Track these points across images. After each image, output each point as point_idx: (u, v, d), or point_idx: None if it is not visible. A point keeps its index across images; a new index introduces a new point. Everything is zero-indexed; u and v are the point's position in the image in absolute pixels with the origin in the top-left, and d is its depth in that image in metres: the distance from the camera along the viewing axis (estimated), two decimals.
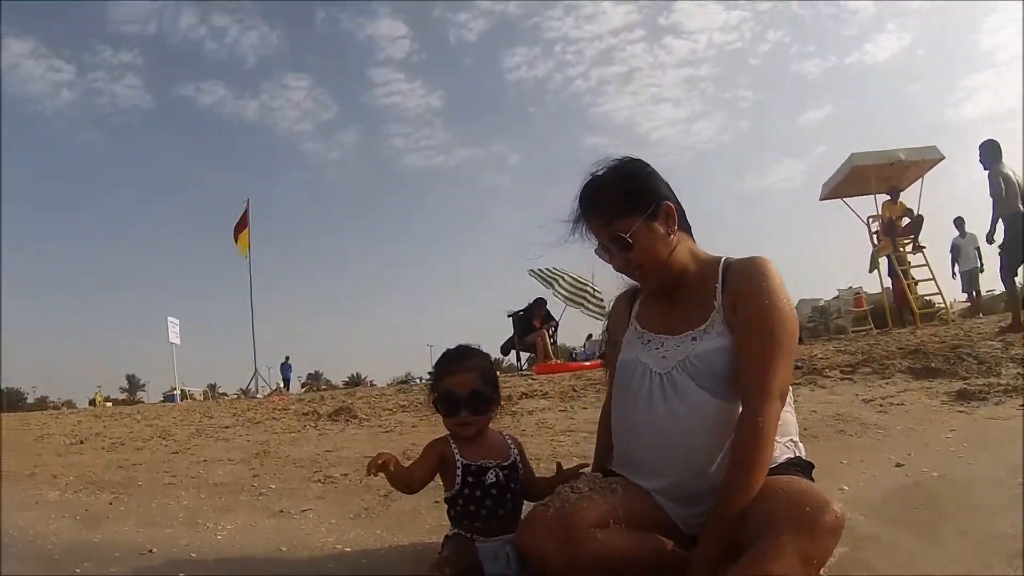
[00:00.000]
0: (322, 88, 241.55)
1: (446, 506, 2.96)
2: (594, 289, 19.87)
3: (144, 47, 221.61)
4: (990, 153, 10.50)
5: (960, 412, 5.20)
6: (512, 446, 3.06)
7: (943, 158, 16.63)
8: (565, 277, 18.63)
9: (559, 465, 3.03)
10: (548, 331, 16.90)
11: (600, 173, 2.55)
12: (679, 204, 2.54)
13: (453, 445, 2.90)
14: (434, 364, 3.04)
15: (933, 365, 6.79)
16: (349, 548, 3.49)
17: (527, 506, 2.72)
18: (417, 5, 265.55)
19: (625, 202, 2.45)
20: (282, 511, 4.34)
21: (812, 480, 2.40)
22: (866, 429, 4.88)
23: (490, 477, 2.86)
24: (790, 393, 2.44)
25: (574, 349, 21.62)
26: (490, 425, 2.98)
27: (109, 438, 8.58)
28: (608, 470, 2.66)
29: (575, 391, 8.57)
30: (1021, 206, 10.10)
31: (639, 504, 2.41)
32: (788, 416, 2.48)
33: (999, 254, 10.71)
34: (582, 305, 18.85)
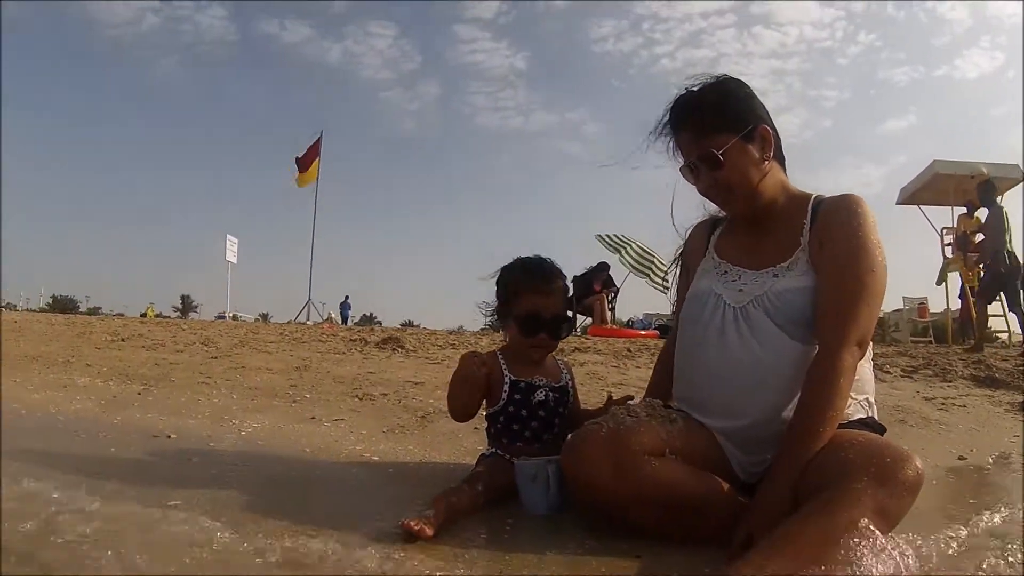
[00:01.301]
0: (407, 39, 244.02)
1: (486, 423, 2.71)
2: (660, 261, 19.54)
3: None
4: (991, 192, 12.00)
5: None
6: (564, 370, 2.80)
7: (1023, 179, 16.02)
8: (633, 245, 18.29)
9: (610, 396, 2.77)
10: (608, 296, 16.53)
11: (696, 88, 2.33)
12: (776, 132, 2.34)
13: (503, 361, 2.66)
14: (507, 273, 2.77)
15: (997, 376, 6.58)
16: (378, 458, 3.23)
17: None
18: None
19: (720, 118, 2.26)
20: (314, 418, 4.14)
21: None
22: (928, 423, 4.61)
23: (539, 396, 2.62)
24: (870, 348, 2.25)
25: (630, 319, 21.31)
26: None
27: (151, 339, 8.56)
28: (666, 404, 2.36)
29: (629, 351, 8.32)
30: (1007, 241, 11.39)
31: (699, 440, 2.21)
32: (865, 371, 2.29)
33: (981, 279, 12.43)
34: (648, 276, 18.52)
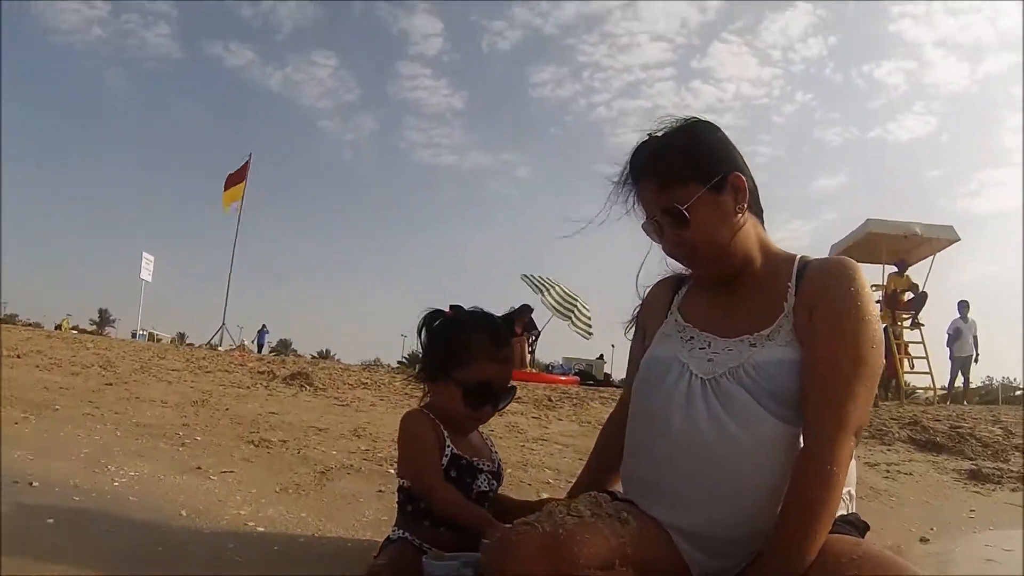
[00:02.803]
0: (348, 70, 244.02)
1: (398, 496, 2.35)
2: (583, 306, 19.51)
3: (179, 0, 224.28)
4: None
5: (975, 492, 4.97)
6: (493, 447, 2.49)
7: (959, 240, 16.58)
8: (557, 288, 18.27)
9: (545, 500, 2.44)
10: (528, 339, 16.34)
11: (660, 134, 2.05)
12: (752, 180, 2.04)
13: (442, 427, 2.30)
14: (457, 329, 2.37)
15: (937, 440, 6.60)
16: (262, 528, 2.87)
17: None
18: (456, 6, 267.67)
19: (686, 167, 1.96)
20: (199, 468, 3.73)
21: None
22: (877, 494, 4.48)
23: (481, 483, 2.29)
24: None
25: (550, 364, 21.17)
26: None
27: (49, 358, 7.98)
28: (609, 493, 2.05)
29: (551, 400, 8.12)
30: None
31: (655, 545, 1.86)
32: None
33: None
34: (569, 319, 18.49)
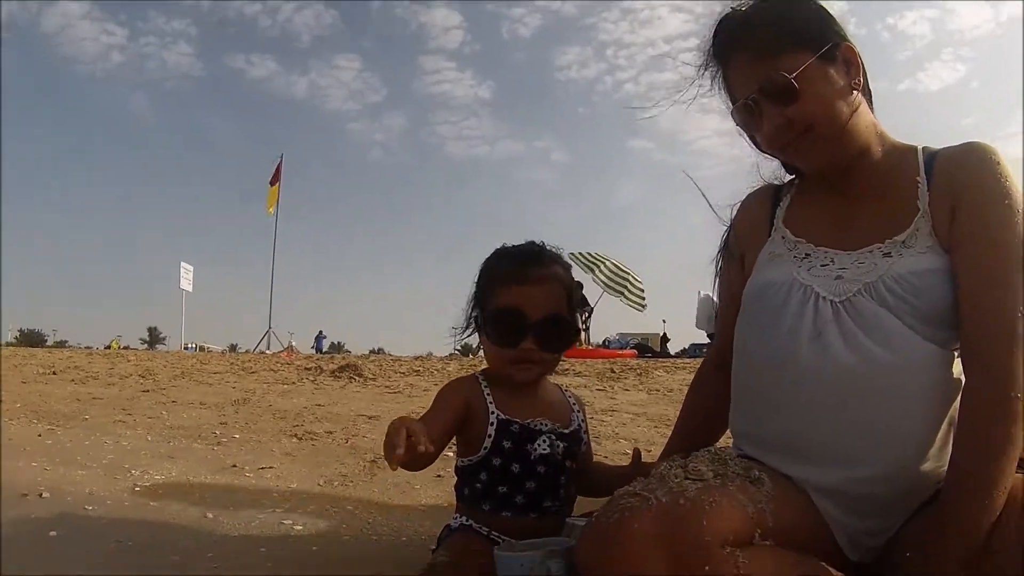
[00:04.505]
0: (372, 71, 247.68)
1: (457, 478, 1.88)
2: (636, 279, 19.08)
3: (197, 18, 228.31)
4: None
5: None
6: (575, 407, 1.99)
7: None
8: (607, 263, 17.89)
9: (637, 452, 2.00)
10: (581, 316, 16.01)
11: (746, 7, 1.64)
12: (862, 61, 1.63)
13: (486, 390, 1.84)
14: (483, 266, 1.97)
15: None
16: (300, 527, 2.43)
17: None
18: None
19: (790, 33, 1.57)
20: (235, 466, 3.35)
21: None
22: None
23: (540, 446, 1.80)
24: None
25: (606, 339, 20.83)
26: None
27: (86, 372, 7.75)
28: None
29: (614, 372, 7.67)
30: None
31: (795, 509, 1.44)
32: None
33: None
34: (622, 294, 18.14)
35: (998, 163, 1.52)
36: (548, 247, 1.93)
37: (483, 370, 1.92)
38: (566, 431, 1.86)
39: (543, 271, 1.85)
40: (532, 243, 1.94)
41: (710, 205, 1.87)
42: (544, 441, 1.80)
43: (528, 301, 1.81)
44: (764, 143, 1.65)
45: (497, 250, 1.95)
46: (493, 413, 1.79)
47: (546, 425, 1.83)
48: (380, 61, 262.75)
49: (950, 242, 1.51)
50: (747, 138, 1.72)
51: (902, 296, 1.47)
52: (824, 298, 1.54)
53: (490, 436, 1.78)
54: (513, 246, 1.94)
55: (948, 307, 1.46)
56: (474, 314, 1.93)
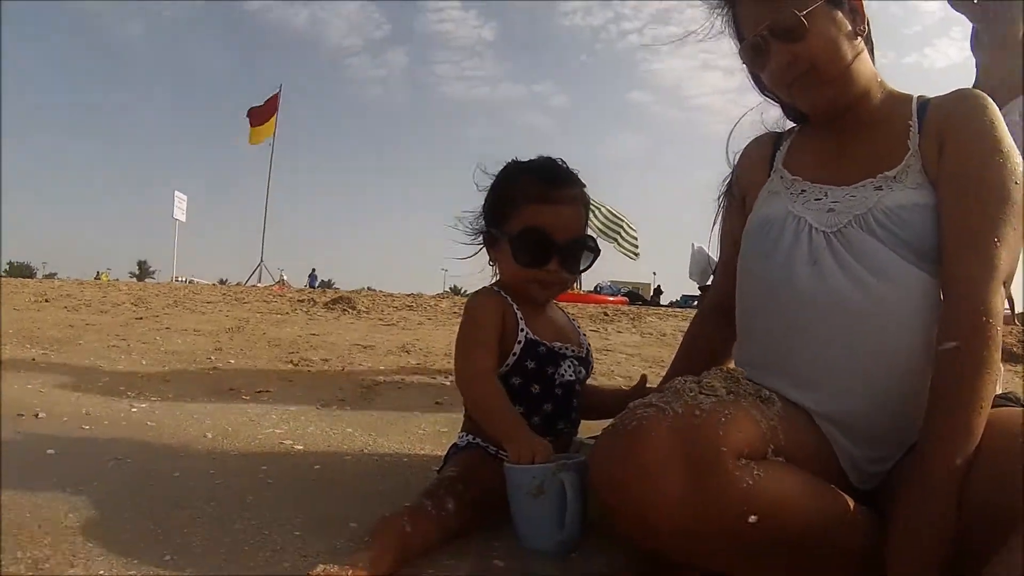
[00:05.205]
0: (375, 4, 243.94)
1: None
2: (630, 226, 19.02)
3: None
4: None
5: None
6: (581, 331, 1.98)
7: None
8: (602, 208, 17.79)
9: (644, 377, 2.00)
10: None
11: None
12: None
13: (514, 305, 1.81)
14: (501, 179, 1.91)
15: (1014, 351, 6.10)
16: (301, 446, 2.41)
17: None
18: None
19: None
20: (232, 389, 3.33)
21: None
22: None
23: (566, 372, 1.80)
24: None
25: (598, 285, 20.81)
26: None
27: (78, 300, 7.69)
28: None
29: (606, 315, 7.65)
30: None
31: (803, 430, 1.48)
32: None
33: None
34: (615, 240, 18.08)
35: (985, 107, 1.58)
36: (562, 163, 1.89)
37: (498, 283, 1.88)
38: (583, 355, 1.86)
39: (570, 191, 1.83)
40: (551, 159, 1.88)
41: (727, 149, 1.92)
42: (569, 367, 1.80)
43: (556, 221, 1.78)
44: (769, 80, 1.70)
45: (515, 163, 1.90)
46: (523, 331, 1.77)
47: (571, 350, 1.82)
48: None
49: (937, 179, 1.56)
50: (751, 80, 1.78)
51: (889, 228, 1.53)
52: (817, 229, 1.60)
53: (515, 354, 1.76)
54: (531, 162, 1.88)
55: (935, 241, 1.51)
56: (487, 229, 1.88)
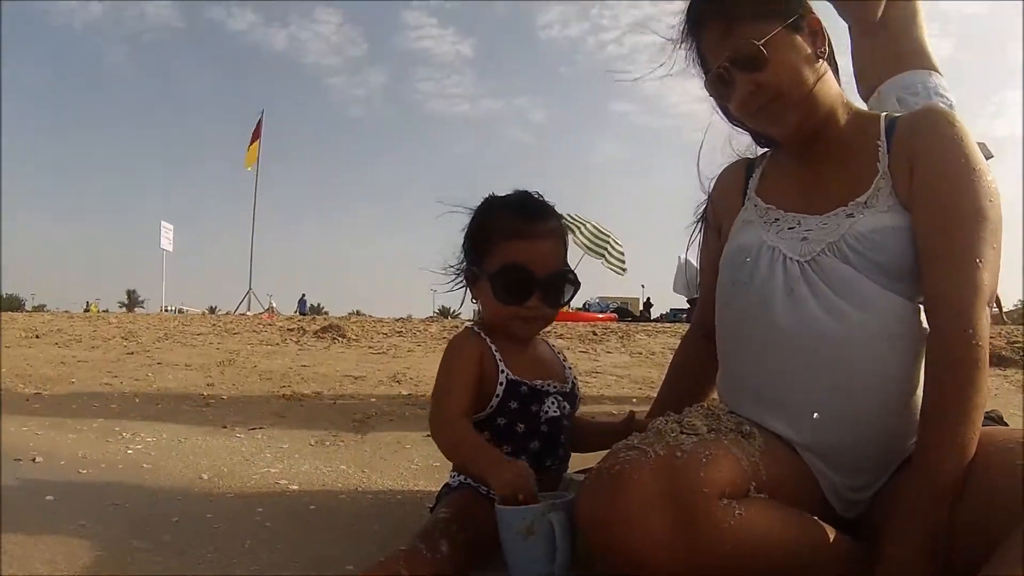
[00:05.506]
0: (353, 24, 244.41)
1: None
2: (616, 242, 19.10)
3: None
4: None
5: None
6: (567, 364, 2.01)
7: (992, 156, 15.87)
8: (588, 225, 17.88)
9: (631, 414, 2.04)
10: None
11: None
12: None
13: (492, 347, 1.83)
14: (477, 217, 1.94)
15: (1003, 354, 6.35)
16: (297, 486, 2.46)
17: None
18: None
19: (759, 4, 1.65)
20: (225, 427, 3.37)
21: None
22: None
23: (550, 408, 1.83)
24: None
25: (586, 302, 20.86)
26: None
27: (68, 335, 7.70)
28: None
29: (595, 335, 7.71)
30: None
31: (784, 462, 1.51)
32: None
33: None
34: (603, 256, 18.12)
35: (952, 124, 1.58)
36: (538, 196, 1.92)
37: (478, 323, 1.91)
38: (567, 390, 1.90)
39: (547, 225, 1.86)
40: (526, 193, 1.92)
41: (699, 177, 1.95)
42: (553, 403, 1.84)
43: (535, 257, 1.81)
44: (735, 110, 1.71)
45: (490, 200, 1.93)
46: (503, 372, 1.80)
47: (553, 386, 1.86)
48: (361, 15, 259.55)
49: (909, 201, 1.57)
50: (719, 111, 1.80)
51: (863, 253, 1.54)
52: (791, 258, 1.62)
53: (497, 396, 1.79)
54: (507, 196, 1.91)
55: (910, 262, 1.53)
56: (468, 268, 1.92)
